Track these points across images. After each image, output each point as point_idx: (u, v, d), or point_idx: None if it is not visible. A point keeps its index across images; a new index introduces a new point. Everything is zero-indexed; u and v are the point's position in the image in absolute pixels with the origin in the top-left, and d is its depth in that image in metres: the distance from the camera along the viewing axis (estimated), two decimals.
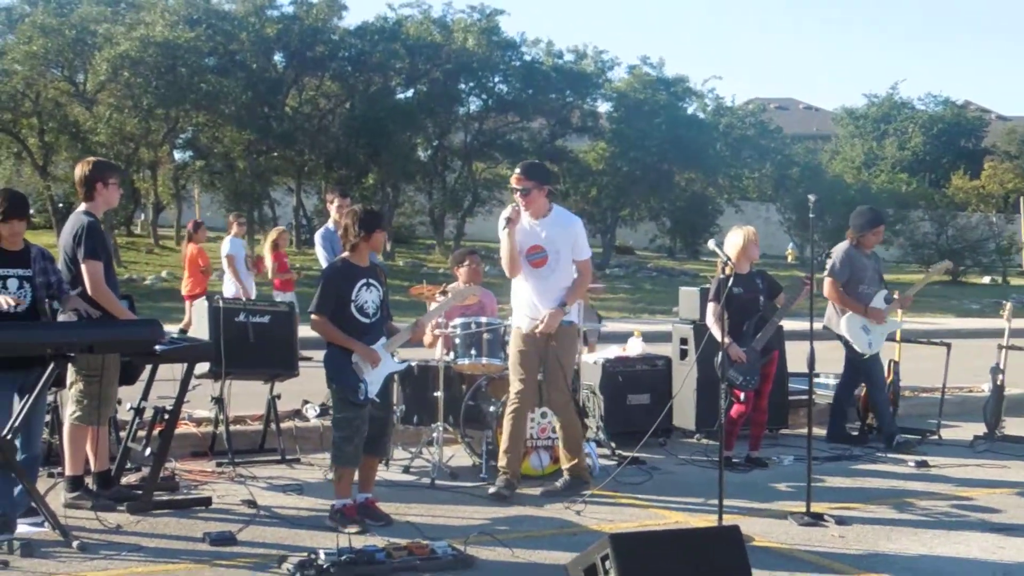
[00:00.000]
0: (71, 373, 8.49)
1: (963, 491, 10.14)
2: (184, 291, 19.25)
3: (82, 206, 8.75)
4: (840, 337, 12.14)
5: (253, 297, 17.70)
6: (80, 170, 8.83)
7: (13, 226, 7.94)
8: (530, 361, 9.53)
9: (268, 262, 19.06)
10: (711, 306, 10.75)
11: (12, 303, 7.64)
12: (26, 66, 33.69)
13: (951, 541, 8.42)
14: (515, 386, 9.54)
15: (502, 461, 9.54)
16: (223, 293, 18.03)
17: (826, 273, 12.00)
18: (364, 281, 8.49)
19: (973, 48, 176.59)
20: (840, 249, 12.12)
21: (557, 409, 9.66)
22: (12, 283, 7.93)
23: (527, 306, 9.57)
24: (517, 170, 9.62)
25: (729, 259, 9.36)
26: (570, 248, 9.59)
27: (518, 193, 9.45)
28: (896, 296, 12.22)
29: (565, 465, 9.71)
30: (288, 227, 43.93)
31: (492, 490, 9.39)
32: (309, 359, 11.75)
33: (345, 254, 8.65)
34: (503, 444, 9.56)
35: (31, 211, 8.33)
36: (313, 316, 8.41)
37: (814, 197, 9.65)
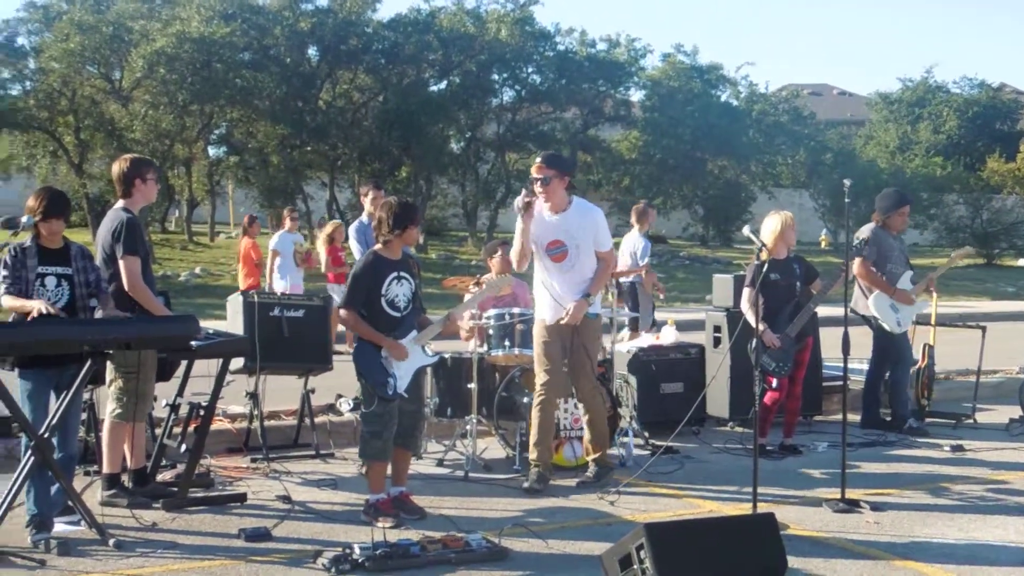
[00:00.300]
0: (110, 370, 8.54)
1: (999, 475, 10.11)
2: (241, 285, 19.27)
3: (120, 203, 8.79)
4: (867, 319, 12.14)
5: (302, 292, 17.69)
6: (117, 167, 8.87)
7: (52, 225, 7.99)
8: (555, 352, 9.53)
9: (323, 256, 19.03)
10: (746, 292, 10.71)
11: (46, 310, 7.66)
12: (63, 64, 33.87)
13: (988, 525, 8.40)
14: (541, 378, 9.54)
15: (532, 454, 9.55)
16: (271, 287, 18.12)
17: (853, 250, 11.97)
18: (395, 275, 8.47)
19: (1009, 30, 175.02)
20: (867, 229, 12.10)
21: (584, 398, 9.66)
22: (50, 281, 7.97)
23: (550, 298, 9.57)
24: (538, 159, 9.63)
25: (764, 245, 9.32)
26: (592, 240, 9.55)
27: (538, 183, 9.44)
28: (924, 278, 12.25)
29: (592, 456, 9.72)
30: (321, 220, 44.20)
31: (525, 485, 9.40)
32: (340, 353, 11.77)
33: (377, 247, 8.65)
34: (532, 437, 9.58)
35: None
36: (342, 311, 8.43)
37: (849, 182, 9.63)
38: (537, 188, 9.43)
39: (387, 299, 8.42)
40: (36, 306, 7.66)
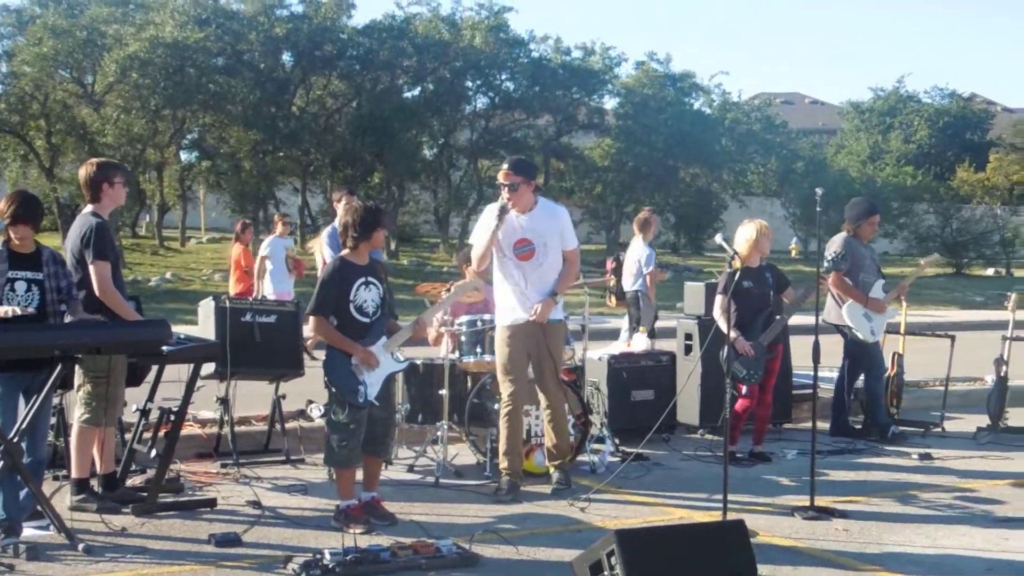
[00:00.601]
0: (78, 375, 8.49)
1: (967, 483, 10.17)
2: (232, 291, 18.86)
3: (88, 207, 8.75)
4: (839, 328, 12.18)
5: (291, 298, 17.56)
6: (85, 171, 8.84)
7: (20, 230, 7.94)
8: (519, 358, 9.53)
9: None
10: (719, 299, 10.74)
11: (10, 312, 7.63)
12: (35, 68, 33.77)
13: (955, 534, 8.44)
14: (507, 388, 9.54)
15: (503, 463, 9.54)
16: (264, 293, 17.90)
17: (827, 263, 11.95)
18: (363, 280, 8.45)
19: (980, 40, 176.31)
20: (839, 239, 12.16)
21: (550, 400, 9.66)
22: (20, 286, 7.93)
23: (515, 300, 9.57)
24: (504, 166, 9.70)
25: (736, 253, 9.31)
26: (558, 238, 9.61)
27: (506, 188, 9.48)
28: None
29: (554, 463, 9.75)
30: (293, 227, 44.11)
31: (498, 493, 9.40)
32: (314, 359, 11.75)
33: (344, 252, 8.63)
34: (502, 446, 9.57)
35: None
36: (311, 317, 8.41)
37: (821, 191, 9.66)
38: (505, 194, 9.47)
39: (356, 304, 8.39)
40: (1, 310, 7.64)
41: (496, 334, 9.72)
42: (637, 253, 15.54)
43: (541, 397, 9.76)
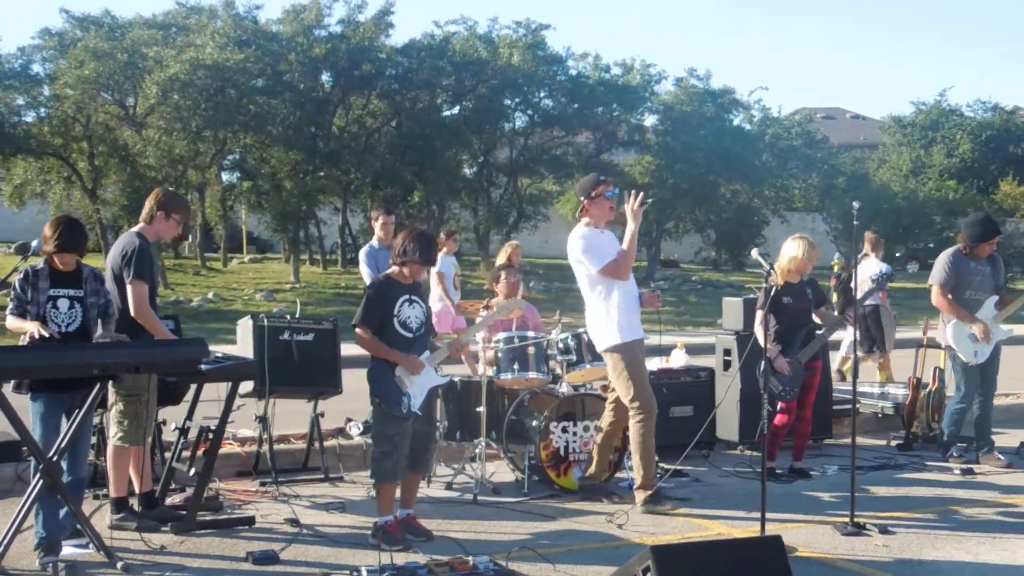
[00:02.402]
0: (111, 394, 8.55)
1: (1009, 498, 10.09)
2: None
3: (137, 227, 8.85)
4: (948, 348, 11.75)
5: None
6: (155, 193, 9.05)
7: (65, 258, 8.00)
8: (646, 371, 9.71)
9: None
10: (758, 314, 10.70)
11: (38, 333, 7.68)
12: (77, 90, 33.93)
13: (997, 548, 8.38)
14: (645, 399, 9.51)
15: (649, 473, 9.53)
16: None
17: (930, 280, 11.69)
18: (407, 297, 8.51)
19: (1022, 52, 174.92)
20: (946, 255, 11.72)
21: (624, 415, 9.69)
22: (63, 303, 7.99)
23: (634, 316, 9.65)
24: (604, 177, 9.82)
25: (772, 270, 9.19)
26: None
27: (615, 196, 9.64)
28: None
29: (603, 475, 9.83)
30: (333, 246, 44.25)
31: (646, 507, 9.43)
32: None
33: (392, 270, 8.68)
34: (645, 456, 9.52)
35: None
36: (357, 329, 8.45)
37: (858, 204, 9.58)
38: (614, 202, 9.66)
39: (400, 320, 8.44)
40: (30, 328, 7.70)
41: (622, 351, 9.55)
42: (871, 271, 15.50)
43: (613, 415, 9.78)
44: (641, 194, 9.36)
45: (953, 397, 11.87)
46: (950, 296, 11.53)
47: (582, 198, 9.75)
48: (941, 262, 11.64)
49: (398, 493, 8.60)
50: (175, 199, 9.05)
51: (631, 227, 9.45)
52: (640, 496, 9.42)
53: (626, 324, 9.52)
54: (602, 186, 9.67)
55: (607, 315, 9.54)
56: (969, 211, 47.24)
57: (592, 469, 9.88)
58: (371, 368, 8.54)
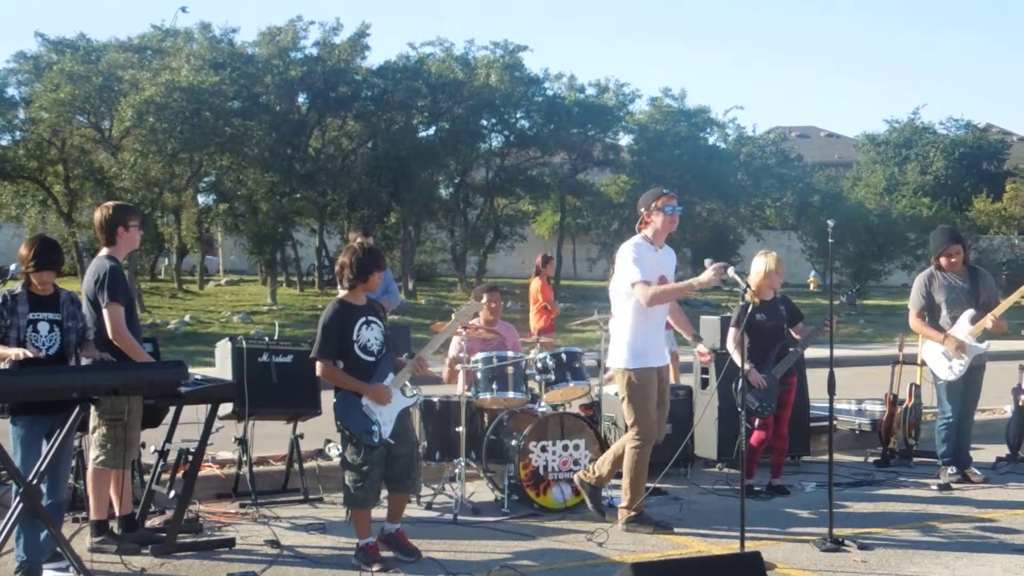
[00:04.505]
0: (93, 417, 8.53)
1: (986, 513, 10.15)
2: (532, 329, 18.01)
3: (104, 251, 8.82)
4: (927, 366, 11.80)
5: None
6: (100, 215, 8.91)
7: (43, 276, 8.01)
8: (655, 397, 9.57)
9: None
10: (731, 332, 10.80)
11: (23, 355, 7.68)
12: (53, 113, 33.88)
13: (975, 563, 8.43)
14: (646, 427, 9.45)
15: (636, 500, 9.50)
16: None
17: (908, 303, 11.87)
18: (363, 319, 8.46)
19: (995, 71, 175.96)
20: (919, 277, 11.85)
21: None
22: (43, 327, 7.99)
23: (657, 340, 9.65)
24: (667, 191, 9.83)
25: (748, 287, 9.22)
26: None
27: (675, 212, 9.68)
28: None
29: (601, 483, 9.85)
30: (310, 268, 44.23)
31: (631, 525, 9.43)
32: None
33: (342, 294, 8.65)
34: (634, 480, 9.50)
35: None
36: (317, 362, 8.42)
37: (833, 223, 9.67)
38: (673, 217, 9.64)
39: (360, 344, 8.40)
40: (12, 354, 7.69)
41: (628, 374, 9.46)
42: None
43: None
44: (729, 267, 9.04)
45: (938, 416, 11.91)
46: (925, 316, 11.65)
47: (642, 210, 9.71)
48: (914, 285, 11.81)
49: (378, 513, 8.58)
50: (122, 209, 9.05)
51: (690, 281, 9.44)
52: (623, 515, 9.45)
53: (642, 350, 9.45)
54: (664, 198, 9.60)
55: (627, 334, 9.51)
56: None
57: (603, 472, 9.79)
58: (337, 400, 8.49)
